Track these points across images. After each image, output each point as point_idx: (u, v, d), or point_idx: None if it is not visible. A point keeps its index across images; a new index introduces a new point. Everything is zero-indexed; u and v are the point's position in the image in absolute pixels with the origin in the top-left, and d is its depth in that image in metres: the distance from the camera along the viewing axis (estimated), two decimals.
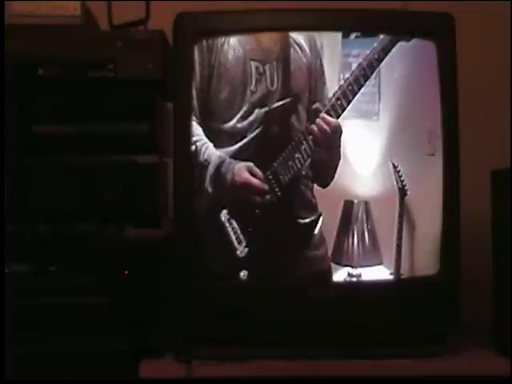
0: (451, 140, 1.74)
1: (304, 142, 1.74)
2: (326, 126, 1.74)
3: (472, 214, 1.87)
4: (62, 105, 1.75)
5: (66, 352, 1.69)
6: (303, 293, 1.71)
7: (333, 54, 1.76)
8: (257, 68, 1.74)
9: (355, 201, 1.76)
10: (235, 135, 1.74)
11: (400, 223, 1.75)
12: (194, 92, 1.73)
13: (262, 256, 1.74)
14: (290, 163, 1.74)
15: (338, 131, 1.74)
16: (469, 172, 1.80)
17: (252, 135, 1.74)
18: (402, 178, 1.75)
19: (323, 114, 1.74)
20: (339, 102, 1.74)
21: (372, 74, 1.74)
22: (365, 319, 1.71)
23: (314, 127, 1.74)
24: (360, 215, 1.76)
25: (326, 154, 1.75)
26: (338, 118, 1.74)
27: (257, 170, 1.74)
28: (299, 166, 1.74)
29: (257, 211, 1.74)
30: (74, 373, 1.67)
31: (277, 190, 1.74)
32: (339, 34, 1.75)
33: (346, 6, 1.75)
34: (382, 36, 1.74)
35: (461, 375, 1.68)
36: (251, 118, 1.73)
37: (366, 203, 1.76)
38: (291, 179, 1.74)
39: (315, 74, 1.76)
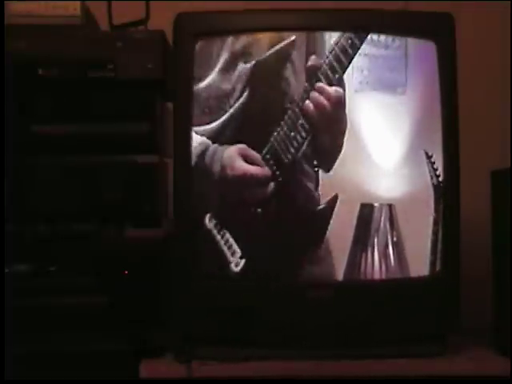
0: (451, 140, 1.74)
1: (301, 116, 1.38)
2: (325, 102, 1.36)
3: (472, 214, 1.87)
4: (62, 105, 1.76)
5: (66, 352, 1.69)
6: (303, 292, 1.71)
7: None
8: None
9: (375, 204, 1.45)
10: (214, 102, 1.42)
11: (435, 232, 1.42)
12: None
13: (261, 263, 1.58)
14: (291, 137, 1.35)
15: (339, 102, 1.37)
16: (469, 172, 1.80)
17: (238, 103, 1.40)
18: (437, 172, 1.42)
19: (320, 84, 1.37)
20: (339, 58, 1.40)
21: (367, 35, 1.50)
22: (365, 319, 1.71)
23: (310, 105, 1.37)
24: (382, 223, 1.43)
25: (328, 135, 1.38)
26: (338, 79, 1.38)
27: (252, 152, 1.38)
28: (300, 141, 1.36)
29: (258, 210, 1.39)
30: (74, 373, 1.67)
31: (278, 173, 1.37)
32: None
33: (346, 6, 1.75)
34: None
35: (461, 375, 1.68)
36: (234, 75, 1.41)
37: (390, 207, 1.45)
38: (292, 160, 1.36)
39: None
